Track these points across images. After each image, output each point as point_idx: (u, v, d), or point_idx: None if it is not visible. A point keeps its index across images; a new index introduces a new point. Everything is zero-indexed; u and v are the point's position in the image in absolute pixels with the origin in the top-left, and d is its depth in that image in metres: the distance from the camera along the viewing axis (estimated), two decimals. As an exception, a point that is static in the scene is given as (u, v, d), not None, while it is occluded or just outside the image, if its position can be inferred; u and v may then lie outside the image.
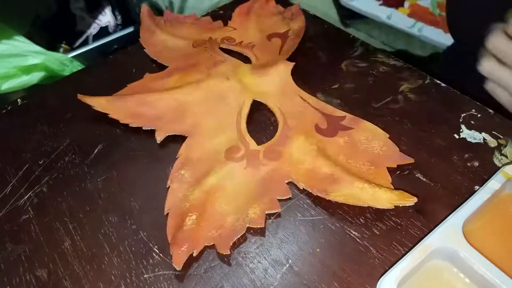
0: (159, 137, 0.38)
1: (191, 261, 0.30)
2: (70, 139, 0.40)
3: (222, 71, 0.44)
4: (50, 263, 0.31)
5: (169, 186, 0.34)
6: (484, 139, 0.37)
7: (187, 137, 0.38)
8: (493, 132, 0.38)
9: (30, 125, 0.42)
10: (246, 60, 0.47)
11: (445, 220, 0.30)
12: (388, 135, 0.37)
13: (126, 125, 0.40)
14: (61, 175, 0.37)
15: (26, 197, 0.35)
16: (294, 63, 0.44)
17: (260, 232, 0.32)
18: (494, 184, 0.31)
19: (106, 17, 1.09)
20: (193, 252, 0.30)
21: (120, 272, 0.30)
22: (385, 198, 0.32)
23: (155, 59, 0.47)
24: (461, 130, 0.38)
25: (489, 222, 0.30)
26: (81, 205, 0.35)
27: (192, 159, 0.36)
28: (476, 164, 0.35)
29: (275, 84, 0.43)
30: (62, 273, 0.30)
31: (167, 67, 0.46)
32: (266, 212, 0.32)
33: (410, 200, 0.32)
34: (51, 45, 1.00)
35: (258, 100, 0.42)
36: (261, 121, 0.41)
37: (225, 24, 0.53)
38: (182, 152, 0.37)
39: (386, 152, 0.36)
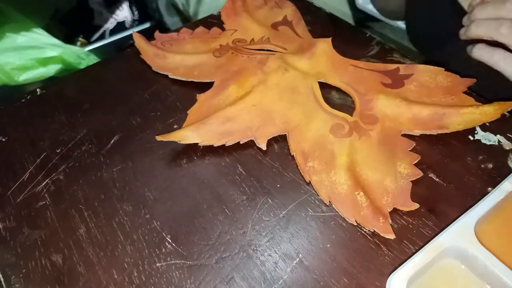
0: (263, 144, 0.38)
1: (202, 250, 0.31)
2: (87, 129, 0.41)
3: (276, 66, 0.44)
4: (65, 248, 0.32)
5: (309, 181, 0.35)
6: (499, 141, 0.37)
7: (285, 134, 0.39)
8: (508, 134, 0.37)
9: (49, 114, 0.43)
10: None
11: (457, 220, 0.29)
12: (442, 68, 0.41)
13: (142, 117, 0.41)
14: (78, 164, 0.38)
15: (43, 184, 0.36)
16: (331, 38, 0.46)
17: (275, 225, 0.32)
18: (507, 185, 0.31)
19: (124, 12, 1.10)
20: (387, 221, 0.31)
21: (132, 260, 0.31)
22: (492, 110, 0.37)
23: (191, 80, 0.45)
24: (476, 132, 0.38)
25: (501, 223, 0.30)
26: (96, 194, 0.35)
27: (307, 149, 0.37)
28: (490, 166, 0.35)
29: (325, 62, 0.45)
30: (76, 259, 0.31)
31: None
32: (413, 163, 0.35)
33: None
34: (68, 39, 1.01)
35: (321, 80, 0.43)
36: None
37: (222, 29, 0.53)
38: (294, 148, 0.37)
39: (452, 81, 0.40)
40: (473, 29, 0.36)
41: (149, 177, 0.36)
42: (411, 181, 0.34)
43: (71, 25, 1.06)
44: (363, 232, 0.31)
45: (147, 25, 1.11)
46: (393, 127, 0.38)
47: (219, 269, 0.30)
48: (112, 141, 0.39)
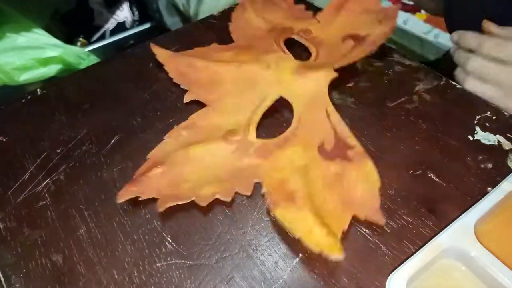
0: (186, 98, 0.41)
1: (203, 250, 0.31)
2: (87, 129, 0.41)
3: (268, 60, 0.44)
4: (65, 248, 0.32)
5: (164, 139, 0.37)
6: (498, 141, 0.37)
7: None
8: (508, 134, 0.37)
9: (49, 114, 0.43)
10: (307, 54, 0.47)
11: (457, 220, 0.30)
12: (379, 185, 0.32)
13: (142, 117, 0.41)
14: (78, 164, 0.38)
15: (44, 184, 0.36)
16: (337, 74, 0.40)
17: (275, 225, 0.32)
18: (507, 185, 0.31)
19: (124, 13, 1.10)
20: (139, 197, 0.32)
21: (133, 260, 0.31)
22: (317, 239, 0.29)
23: (231, 34, 0.49)
24: (475, 132, 0.38)
25: (501, 223, 0.30)
26: (96, 194, 0.35)
27: (196, 125, 0.38)
28: (490, 166, 0.35)
29: (309, 89, 0.41)
30: (77, 259, 0.31)
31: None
32: (217, 196, 0.33)
33: (336, 254, 0.28)
34: (69, 39, 1.01)
35: (285, 97, 0.41)
36: (278, 118, 0.41)
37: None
38: (193, 117, 0.39)
39: (364, 201, 0.32)
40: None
41: (149, 177, 0.36)
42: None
43: (71, 25, 1.06)
44: (363, 232, 0.31)
45: (147, 25, 1.11)
46: (259, 171, 0.35)
47: (219, 269, 0.30)
48: (113, 141, 0.40)
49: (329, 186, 0.33)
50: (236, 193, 0.34)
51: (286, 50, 0.46)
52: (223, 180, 0.34)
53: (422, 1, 0.63)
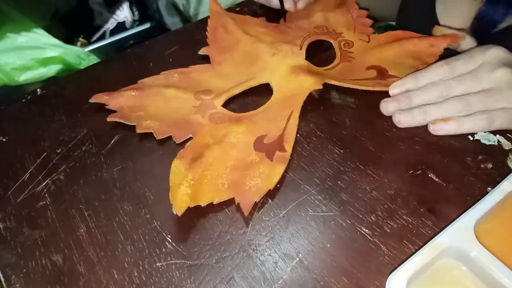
0: (201, 51, 0.46)
1: (203, 250, 0.31)
2: (87, 129, 0.41)
3: (280, 48, 0.46)
4: (65, 248, 0.32)
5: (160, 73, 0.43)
6: (498, 141, 0.37)
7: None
8: (507, 134, 0.37)
9: (49, 114, 0.43)
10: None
11: (457, 220, 0.30)
12: (268, 189, 0.34)
13: (142, 117, 0.41)
14: (78, 164, 0.38)
15: (44, 184, 0.36)
16: (321, 87, 0.41)
17: (275, 225, 0.32)
18: (507, 185, 0.31)
19: (124, 13, 1.10)
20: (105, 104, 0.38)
21: (133, 260, 0.31)
22: (177, 193, 0.33)
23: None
24: (475, 132, 0.38)
25: (501, 223, 0.30)
26: (96, 194, 0.35)
27: (189, 75, 0.44)
28: (490, 166, 0.35)
29: (291, 87, 0.42)
30: (76, 259, 0.31)
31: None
32: (150, 130, 0.39)
33: (176, 209, 0.31)
34: (69, 39, 1.01)
35: (271, 86, 0.43)
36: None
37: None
38: (192, 67, 0.44)
39: (249, 191, 0.34)
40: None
41: (149, 177, 0.36)
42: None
43: (71, 25, 1.06)
44: (363, 232, 0.31)
45: (147, 25, 1.11)
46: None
47: (219, 269, 0.30)
48: (112, 141, 0.40)
49: (235, 168, 0.35)
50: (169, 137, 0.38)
51: (304, 48, 0.46)
52: (165, 120, 0.39)
53: (376, 12, 0.64)
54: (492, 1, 0.42)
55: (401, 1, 0.57)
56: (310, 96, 0.41)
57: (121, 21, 1.10)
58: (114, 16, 1.10)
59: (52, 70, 0.91)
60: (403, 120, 0.38)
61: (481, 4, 0.43)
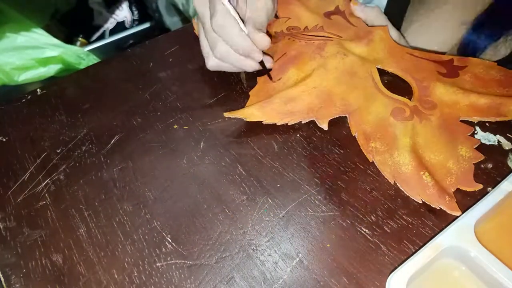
0: (324, 125, 0.39)
1: (203, 250, 0.31)
2: (87, 129, 0.41)
3: (334, 51, 0.44)
4: (65, 248, 0.32)
5: (372, 161, 0.36)
6: (498, 141, 0.37)
7: (346, 116, 0.40)
8: (507, 134, 0.37)
9: (49, 114, 0.43)
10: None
11: (457, 220, 0.30)
12: (495, 62, 0.42)
13: (142, 117, 0.41)
14: (78, 164, 0.38)
15: (44, 184, 0.36)
16: (387, 25, 0.46)
17: (275, 225, 0.32)
18: (507, 185, 0.31)
19: (123, 12, 1.10)
20: (453, 200, 0.32)
21: (133, 260, 0.31)
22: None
23: None
24: (475, 132, 0.38)
25: (501, 223, 0.30)
26: (96, 194, 0.35)
27: (368, 131, 0.38)
28: (490, 166, 0.35)
29: (383, 49, 0.45)
30: (76, 259, 0.31)
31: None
32: (474, 147, 0.36)
33: None
34: (68, 39, 1.01)
35: (379, 67, 0.43)
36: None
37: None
38: (356, 129, 0.38)
39: (505, 74, 0.41)
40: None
41: (149, 177, 0.36)
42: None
43: (71, 25, 1.06)
44: (363, 232, 0.31)
45: (146, 25, 1.11)
46: (452, 113, 0.39)
47: (219, 269, 0.30)
48: (112, 141, 0.40)
49: (483, 86, 0.41)
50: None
51: (325, 37, 0.47)
52: (452, 136, 0.37)
53: None
54: (476, 29, 0.43)
55: None
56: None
57: (120, 20, 1.10)
58: (114, 15, 1.10)
59: (51, 70, 0.91)
60: None
61: (464, 32, 0.44)
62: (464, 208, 0.31)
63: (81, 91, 0.45)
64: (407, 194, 0.34)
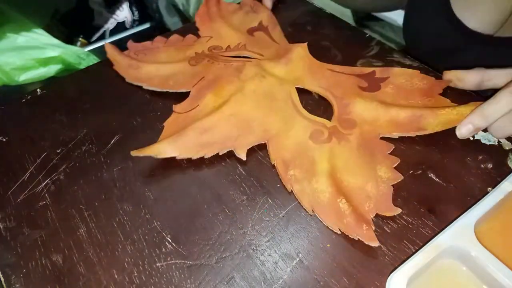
0: (243, 155, 0.37)
1: (203, 250, 0.31)
2: (88, 129, 0.41)
3: (253, 73, 0.43)
4: (65, 248, 0.32)
5: (291, 190, 0.34)
6: (498, 141, 0.37)
7: (265, 143, 0.38)
8: (508, 134, 0.37)
9: (49, 114, 0.43)
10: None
11: (457, 220, 0.30)
12: (418, 71, 0.42)
13: (142, 117, 0.41)
14: (78, 164, 0.38)
15: (44, 184, 0.36)
16: (306, 42, 0.46)
17: (275, 225, 0.32)
18: (507, 185, 0.31)
19: (124, 13, 1.10)
20: (370, 228, 0.30)
21: (133, 260, 0.31)
22: (468, 111, 0.36)
23: (166, 90, 0.43)
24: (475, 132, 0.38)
25: (501, 223, 0.30)
26: (96, 194, 0.35)
27: (287, 158, 0.36)
28: (490, 166, 0.35)
29: (302, 67, 0.44)
30: (76, 259, 0.31)
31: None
32: (393, 166, 0.35)
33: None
34: (68, 39, 1.01)
35: (299, 86, 0.43)
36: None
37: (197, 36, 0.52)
38: (274, 157, 0.36)
39: (428, 83, 0.41)
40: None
41: (149, 177, 0.36)
42: (392, 185, 0.33)
43: (71, 25, 1.06)
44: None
45: (147, 25, 1.11)
46: (372, 130, 0.38)
47: (219, 269, 0.30)
48: (113, 141, 0.40)
49: (405, 97, 0.40)
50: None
51: (245, 59, 0.46)
52: (371, 156, 0.36)
53: (377, 3, 0.63)
54: None
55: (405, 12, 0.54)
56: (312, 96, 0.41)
57: (121, 21, 1.10)
58: (114, 16, 1.10)
59: (52, 70, 0.90)
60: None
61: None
62: (464, 208, 0.31)
63: (81, 91, 0.45)
64: (326, 225, 0.32)
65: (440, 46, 0.49)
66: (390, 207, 0.32)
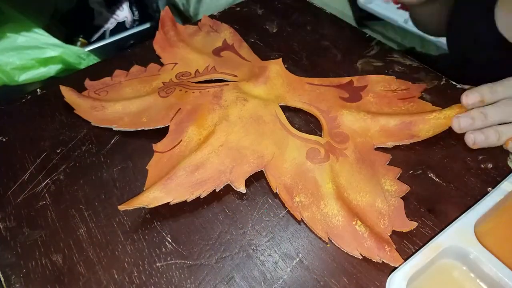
0: (242, 188, 0.34)
1: (203, 250, 0.31)
2: (87, 129, 0.41)
3: (233, 97, 0.40)
4: (65, 248, 0.32)
5: (301, 219, 0.32)
6: (498, 141, 0.37)
7: (262, 170, 0.36)
8: (508, 134, 0.37)
9: (49, 114, 0.43)
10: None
11: (457, 220, 0.30)
12: (394, 76, 0.43)
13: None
14: (78, 164, 0.38)
15: (44, 184, 0.36)
16: (280, 58, 0.45)
17: (275, 225, 0.32)
18: (507, 185, 0.31)
19: (124, 13, 1.10)
20: (392, 248, 0.29)
21: (133, 260, 0.31)
22: (454, 113, 0.37)
23: (141, 129, 0.39)
24: (475, 132, 0.38)
25: (501, 223, 0.30)
26: (96, 194, 0.35)
27: (289, 183, 0.34)
28: (490, 166, 0.35)
29: (281, 84, 0.43)
30: (76, 259, 0.31)
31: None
32: (396, 177, 0.34)
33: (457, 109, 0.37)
34: (68, 39, 1.01)
35: (282, 104, 0.41)
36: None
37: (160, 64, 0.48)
38: (275, 184, 0.34)
39: (406, 88, 0.41)
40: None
41: (149, 177, 0.36)
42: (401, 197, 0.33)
43: (71, 25, 1.05)
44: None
45: (147, 25, 1.11)
46: (365, 142, 0.37)
47: (219, 269, 0.30)
48: (112, 141, 0.40)
49: (388, 104, 0.40)
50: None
51: (219, 83, 0.43)
52: (373, 169, 0.35)
53: (421, 23, 0.62)
54: None
55: (450, 12, 0.51)
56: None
57: (121, 21, 1.10)
58: (114, 16, 1.10)
59: (52, 70, 0.90)
60: (478, 141, 0.35)
61: None
62: (464, 208, 0.31)
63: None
64: (345, 251, 0.30)
65: (481, 57, 0.47)
66: (405, 222, 0.31)
